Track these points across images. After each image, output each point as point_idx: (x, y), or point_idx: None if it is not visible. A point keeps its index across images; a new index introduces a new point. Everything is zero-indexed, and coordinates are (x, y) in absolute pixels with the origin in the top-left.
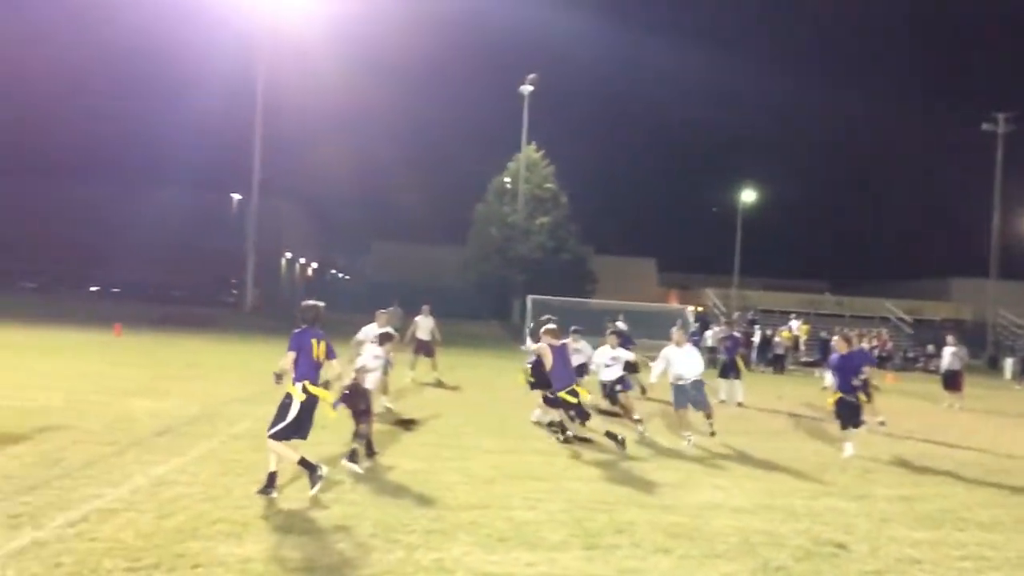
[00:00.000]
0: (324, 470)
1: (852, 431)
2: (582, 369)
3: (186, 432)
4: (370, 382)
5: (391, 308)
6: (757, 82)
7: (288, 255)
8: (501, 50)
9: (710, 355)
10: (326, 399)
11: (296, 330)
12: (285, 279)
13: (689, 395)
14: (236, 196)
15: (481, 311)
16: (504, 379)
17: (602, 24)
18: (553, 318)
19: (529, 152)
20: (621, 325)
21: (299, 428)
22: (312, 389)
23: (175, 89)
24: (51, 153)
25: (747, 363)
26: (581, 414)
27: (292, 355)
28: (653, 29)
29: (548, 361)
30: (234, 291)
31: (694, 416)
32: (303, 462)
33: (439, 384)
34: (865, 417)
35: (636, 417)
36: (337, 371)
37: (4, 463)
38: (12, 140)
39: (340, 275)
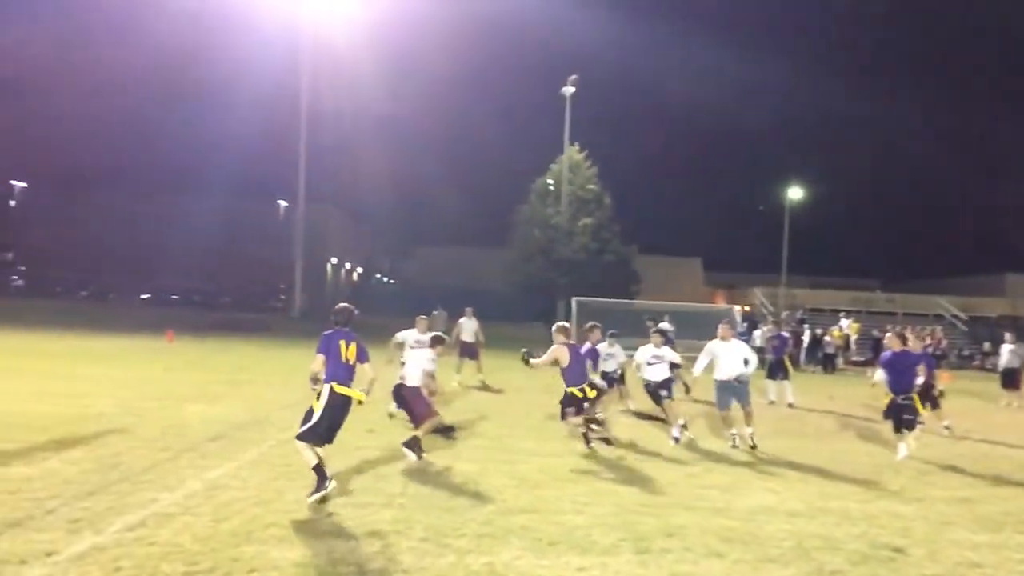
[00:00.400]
0: (331, 485)
1: (905, 433)
2: (615, 374)
3: (238, 437)
4: (422, 380)
5: (434, 312)
6: (803, 79)
7: (333, 260)
8: (542, 52)
9: (758, 355)
10: (358, 398)
11: (325, 332)
12: (331, 284)
13: (733, 391)
14: (282, 203)
15: (524, 313)
16: (549, 382)
17: (645, 25)
18: (597, 324)
19: (572, 153)
20: (666, 325)
21: (326, 430)
22: (339, 389)
23: (220, 98)
24: (100, 163)
25: (795, 363)
26: (580, 408)
27: (321, 357)
28: (697, 28)
29: (564, 360)
30: (282, 297)
31: (738, 419)
32: (317, 468)
33: (484, 387)
34: (927, 420)
35: (675, 435)
36: (370, 376)
37: (63, 468)
38: (61, 151)
39: (384, 279)
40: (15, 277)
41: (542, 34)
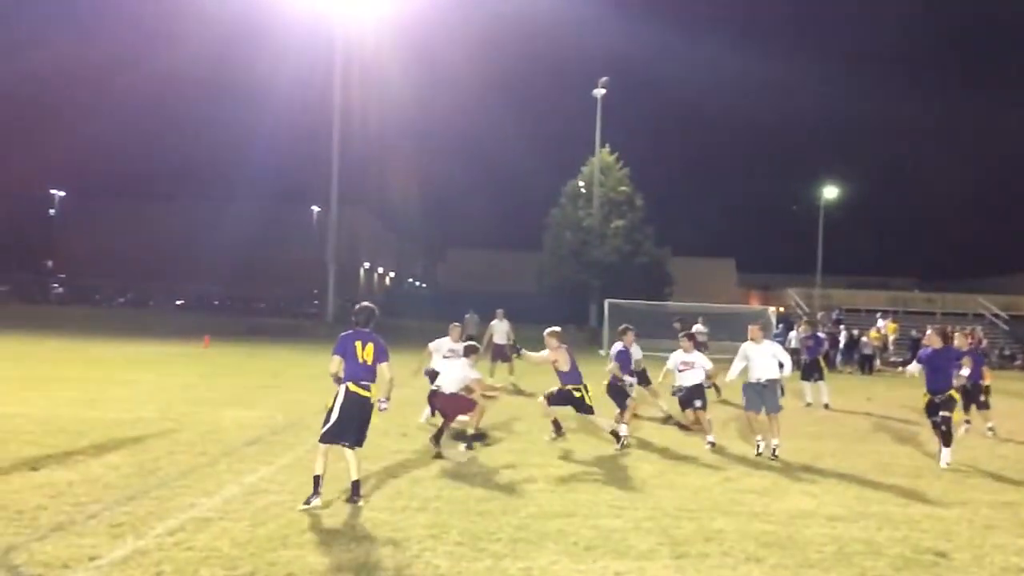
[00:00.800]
0: (317, 501)
1: (942, 445)
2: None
3: (274, 441)
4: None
5: (466, 316)
6: (836, 79)
7: (366, 264)
8: (572, 55)
9: (794, 357)
10: (373, 398)
11: (343, 333)
12: (364, 289)
13: (763, 395)
14: (315, 208)
15: (557, 316)
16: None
17: (676, 26)
18: (630, 327)
19: (603, 155)
20: (700, 327)
21: (351, 432)
22: (354, 389)
23: (252, 106)
24: (136, 171)
25: (830, 364)
26: (585, 409)
27: (337, 359)
28: (728, 30)
29: (565, 364)
30: (316, 302)
31: (764, 424)
32: (316, 479)
33: (516, 390)
34: (973, 419)
35: (711, 440)
36: (387, 376)
37: (104, 473)
38: (98, 160)
39: (417, 283)
40: (55, 285)
41: (572, 37)
